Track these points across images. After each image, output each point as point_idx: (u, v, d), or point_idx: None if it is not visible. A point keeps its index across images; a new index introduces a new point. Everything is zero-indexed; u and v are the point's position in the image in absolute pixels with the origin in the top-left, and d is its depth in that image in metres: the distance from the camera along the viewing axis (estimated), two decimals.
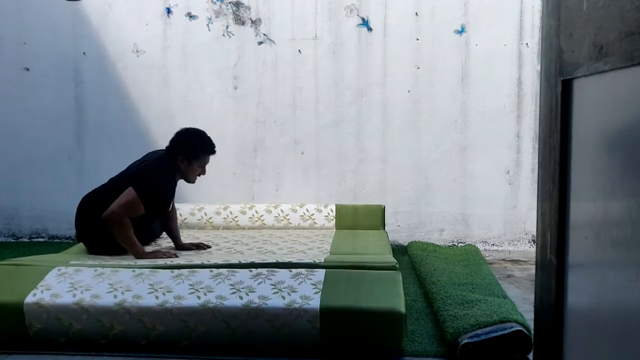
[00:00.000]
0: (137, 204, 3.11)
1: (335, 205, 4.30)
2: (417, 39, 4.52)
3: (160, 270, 2.67)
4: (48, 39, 4.75)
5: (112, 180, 3.35)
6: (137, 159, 3.46)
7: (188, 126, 3.46)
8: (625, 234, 1.04)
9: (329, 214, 4.23)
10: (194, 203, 4.39)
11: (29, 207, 4.85)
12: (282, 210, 4.25)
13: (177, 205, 4.18)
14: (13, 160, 4.83)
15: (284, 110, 4.66)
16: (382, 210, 4.23)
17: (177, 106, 4.73)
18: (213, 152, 3.34)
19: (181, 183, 3.44)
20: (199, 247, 3.48)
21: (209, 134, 3.38)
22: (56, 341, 2.47)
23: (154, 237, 3.63)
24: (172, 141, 3.35)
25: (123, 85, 4.74)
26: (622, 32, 1.02)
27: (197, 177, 3.39)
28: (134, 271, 2.66)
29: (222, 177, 4.69)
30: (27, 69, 4.78)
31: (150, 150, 3.59)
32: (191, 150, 3.27)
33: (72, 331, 2.46)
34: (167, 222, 3.53)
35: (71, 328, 2.46)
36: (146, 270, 2.66)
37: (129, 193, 3.13)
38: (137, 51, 4.71)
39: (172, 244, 3.54)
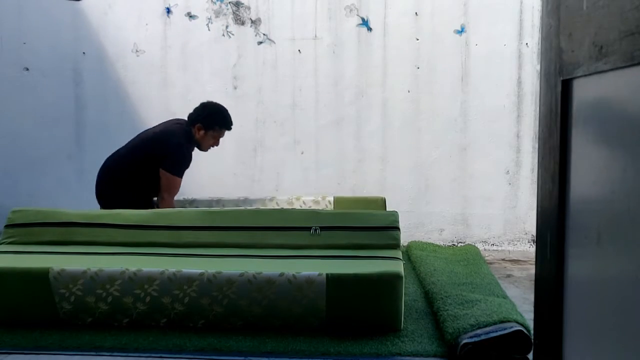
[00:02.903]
0: (177, 182, 3.38)
1: (334, 197, 4.02)
2: (417, 39, 4.52)
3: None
4: (48, 39, 4.75)
5: (132, 148, 3.50)
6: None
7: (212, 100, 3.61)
8: (625, 233, 1.04)
9: (326, 206, 3.97)
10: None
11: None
12: (277, 204, 4.01)
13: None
14: (13, 160, 4.83)
15: (284, 110, 4.65)
16: (383, 201, 3.91)
17: (177, 106, 4.71)
18: (229, 128, 3.53)
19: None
20: None
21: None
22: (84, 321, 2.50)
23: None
24: (194, 110, 3.52)
25: (123, 85, 4.74)
26: (622, 32, 1.02)
27: (210, 147, 3.56)
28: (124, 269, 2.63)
29: (222, 177, 4.69)
30: (27, 69, 4.78)
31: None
32: (208, 120, 3.44)
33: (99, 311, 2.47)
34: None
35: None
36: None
37: (165, 176, 3.33)
38: (137, 51, 4.71)
39: None
